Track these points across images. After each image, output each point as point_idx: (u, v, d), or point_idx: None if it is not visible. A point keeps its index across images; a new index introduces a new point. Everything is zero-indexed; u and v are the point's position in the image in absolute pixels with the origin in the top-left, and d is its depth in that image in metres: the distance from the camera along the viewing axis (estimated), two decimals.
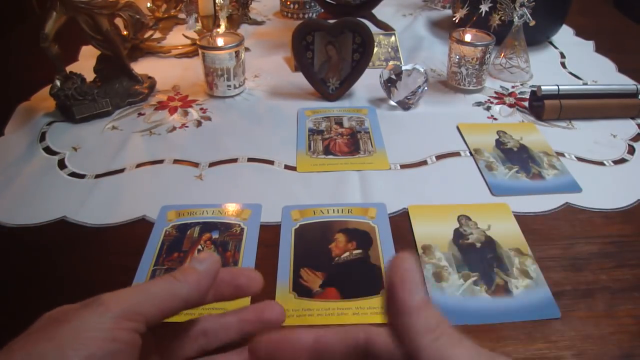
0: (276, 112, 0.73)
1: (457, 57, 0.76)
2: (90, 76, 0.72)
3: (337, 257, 0.48)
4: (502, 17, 0.77)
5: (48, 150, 0.64)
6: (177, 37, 0.95)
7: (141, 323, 0.26)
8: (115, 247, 0.50)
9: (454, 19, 0.82)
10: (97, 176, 0.59)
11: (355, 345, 0.27)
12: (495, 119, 0.72)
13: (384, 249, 0.49)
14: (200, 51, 0.73)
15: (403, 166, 0.62)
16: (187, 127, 0.70)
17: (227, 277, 0.32)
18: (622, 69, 0.87)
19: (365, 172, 0.60)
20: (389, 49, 0.89)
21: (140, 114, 0.72)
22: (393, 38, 0.90)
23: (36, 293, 0.45)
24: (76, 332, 0.24)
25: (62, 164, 0.62)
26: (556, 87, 0.72)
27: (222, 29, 0.78)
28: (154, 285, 0.28)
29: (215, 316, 0.33)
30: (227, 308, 0.34)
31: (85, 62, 0.81)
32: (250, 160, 0.63)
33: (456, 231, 0.51)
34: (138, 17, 0.78)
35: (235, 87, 0.76)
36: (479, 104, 0.76)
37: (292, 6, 1.07)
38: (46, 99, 0.72)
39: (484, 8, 0.74)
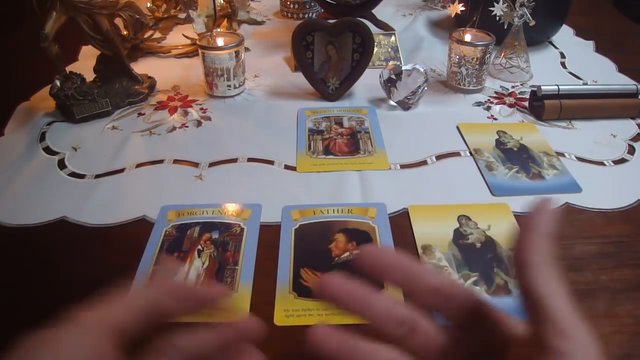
0: (276, 112, 0.73)
1: (457, 57, 0.76)
2: (90, 76, 0.72)
3: (337, 257, 0.48)
4: (503, 21, 0.77)
5: (48, 150, 0.64)
6: (177, 37, 0.95)
7: (122, 338, 0.25)
8: (115, 247, 0.50)
9: (449, 13, 0.82)
10: (97, 176, 0.59)
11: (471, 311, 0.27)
12: (495, 119, 0.72)
13: None
14: (200, 51, 0.73)
15: (403, 166, 0.62)
16: (187, 127, 0.70)
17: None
18: (622, 69, 0.87)
19: (365, 172, 0.60)
20: (389, 49, 0.89)
21: (140, 114, 0.72)
22: (393, 38, 0.90)
23: (36, 293, 0.45)
24: (55, 356, 0.24)
25: (62, 164, 0.62)
26: (556, 87, 0.72)
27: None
28: (134, 297, 0.28)
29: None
30: None
31: (85, 62, 0.81)
32: (250, 160, 0.63)
33: (456, 231, 0.51)
34: (138, 17, 0.78)
35: (235, 87, 0.76)
36: (479, 104, 0.76)
37: (292, 6, 1.07)
38: (46, 99, 0.72)
39: (497, 11, 0.74)
